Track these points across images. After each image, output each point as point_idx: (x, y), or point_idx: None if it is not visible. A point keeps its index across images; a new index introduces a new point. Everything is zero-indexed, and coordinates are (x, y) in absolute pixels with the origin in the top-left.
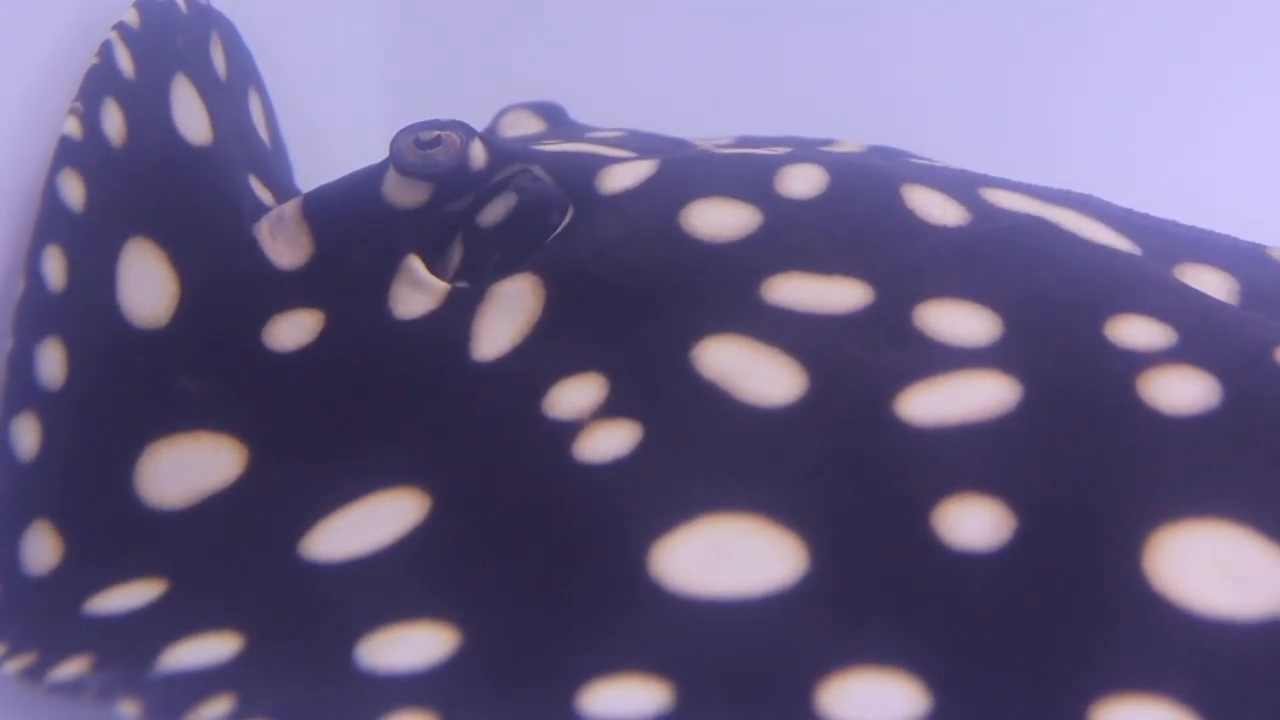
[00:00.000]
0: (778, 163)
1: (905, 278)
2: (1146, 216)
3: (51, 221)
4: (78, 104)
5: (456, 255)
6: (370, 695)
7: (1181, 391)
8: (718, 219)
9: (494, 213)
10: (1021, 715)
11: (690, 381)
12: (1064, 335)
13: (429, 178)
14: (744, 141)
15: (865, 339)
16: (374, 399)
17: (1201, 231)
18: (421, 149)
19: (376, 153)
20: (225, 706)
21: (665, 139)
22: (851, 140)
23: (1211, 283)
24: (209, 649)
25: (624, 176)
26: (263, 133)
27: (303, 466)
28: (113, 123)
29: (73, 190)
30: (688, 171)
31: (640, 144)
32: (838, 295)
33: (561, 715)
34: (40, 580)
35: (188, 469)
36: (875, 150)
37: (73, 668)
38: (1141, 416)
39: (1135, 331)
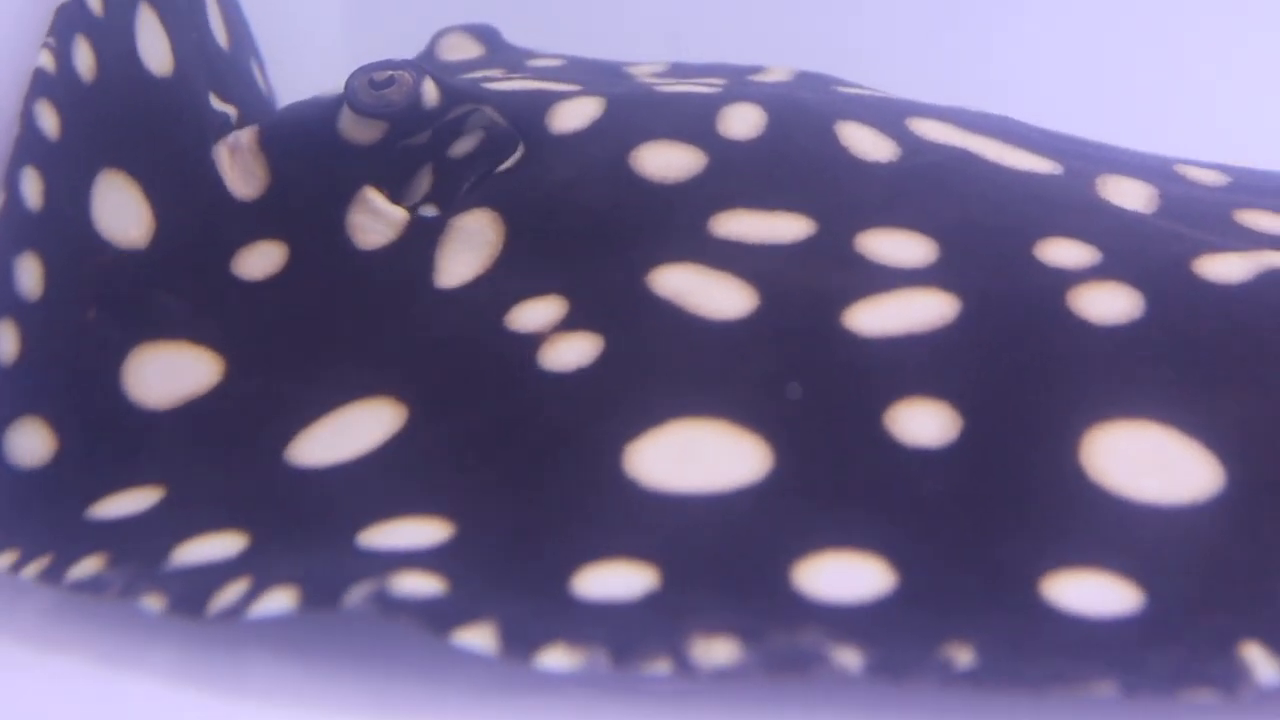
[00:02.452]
0: (717, 102)
1: (844, 212)
2: (1064, 137)
3: (28, 147)
4: (50, 39)
5: (420, 188)
6: (379, 564)
7: (1108, 304)
8: (665, 161)
9: (462, 148)
10: (976, 588)
11: (647, 300)
12: (997, 257)
13: (383, 116)
14: (677, 70)
15: (810, 263)
16: (342, 322)
17: (1114, 148)
18: (375, 89)
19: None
20: (244, 586)
21: (602, 66)
22: (779, 67)
23: (1131, 192)
24: (216, 545)
25: (572, 117)
26: (221, 38)
27: (280, 380)
28: (83, 58)
29: (48, 120)
30: (633, 113)
31: (581, 74)
32: (782, 228)
33: (558, 595)
34: (36, 476)
35: (171, 374)
36: (804, 77)
37: (90, 566)
38: (1072, 327)
39: (1062, 252)
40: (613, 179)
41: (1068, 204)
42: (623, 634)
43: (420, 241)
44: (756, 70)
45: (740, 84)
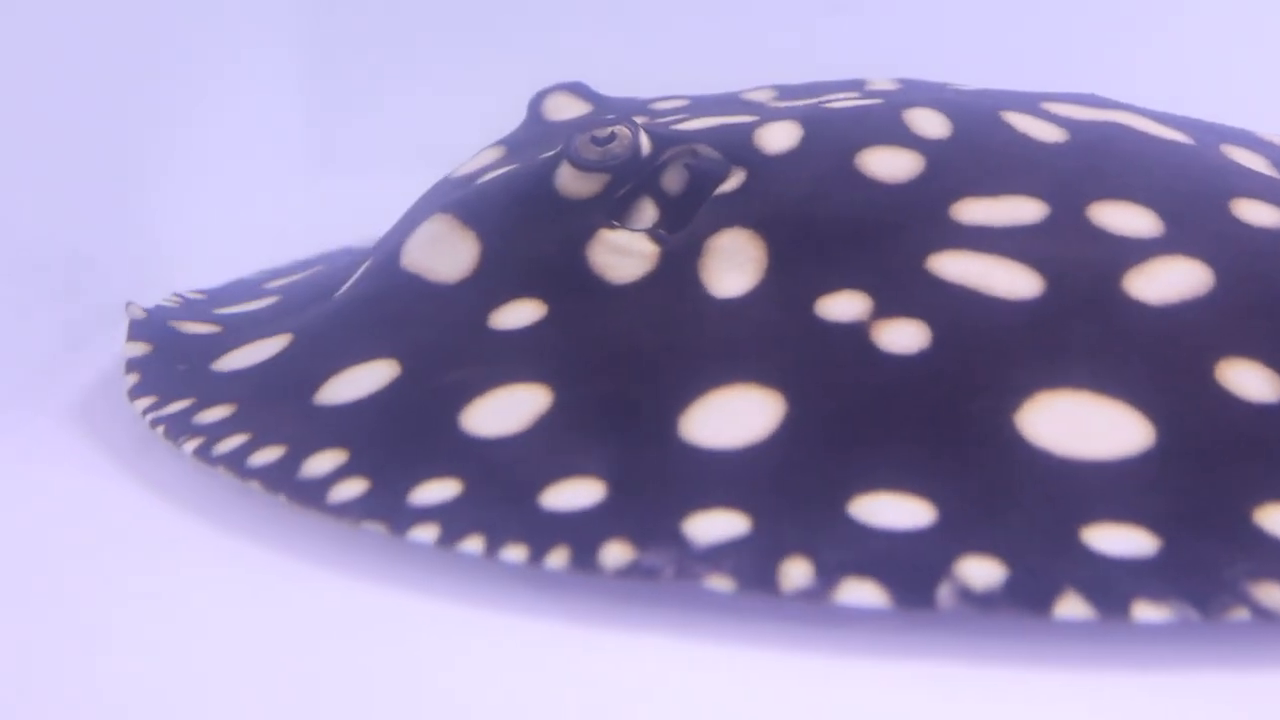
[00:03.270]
0: (895, 111)
1: (1062, 190)
2: (1172, 114)
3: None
4: None
5: (644, 223)
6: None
7: None
8: (890, 163)
9: (673, 183)
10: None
11: (942, 285)
12: (1213, 222)
13: (606, 170)
14: (799, 91)
15: (1067, 239)
16: (639, 339)
17: (1200, 120)
18: (599, 145)
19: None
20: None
21: (729, 99)
22: (879, 77)
23: (1251, 159)
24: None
25: (779, 140)
26: None
27: (615, 389)
28: None
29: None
30: (833, 130)
31: (729, 107)
32: (1019, 210)
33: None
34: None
35: (513, 407)
36: (907, 83)
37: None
38: None
39: (1254, 211)
40: (851, 185)
41: (1227, 168)
42: None
43: (679, 264)
44: (860, 83)
45: (899, 93)
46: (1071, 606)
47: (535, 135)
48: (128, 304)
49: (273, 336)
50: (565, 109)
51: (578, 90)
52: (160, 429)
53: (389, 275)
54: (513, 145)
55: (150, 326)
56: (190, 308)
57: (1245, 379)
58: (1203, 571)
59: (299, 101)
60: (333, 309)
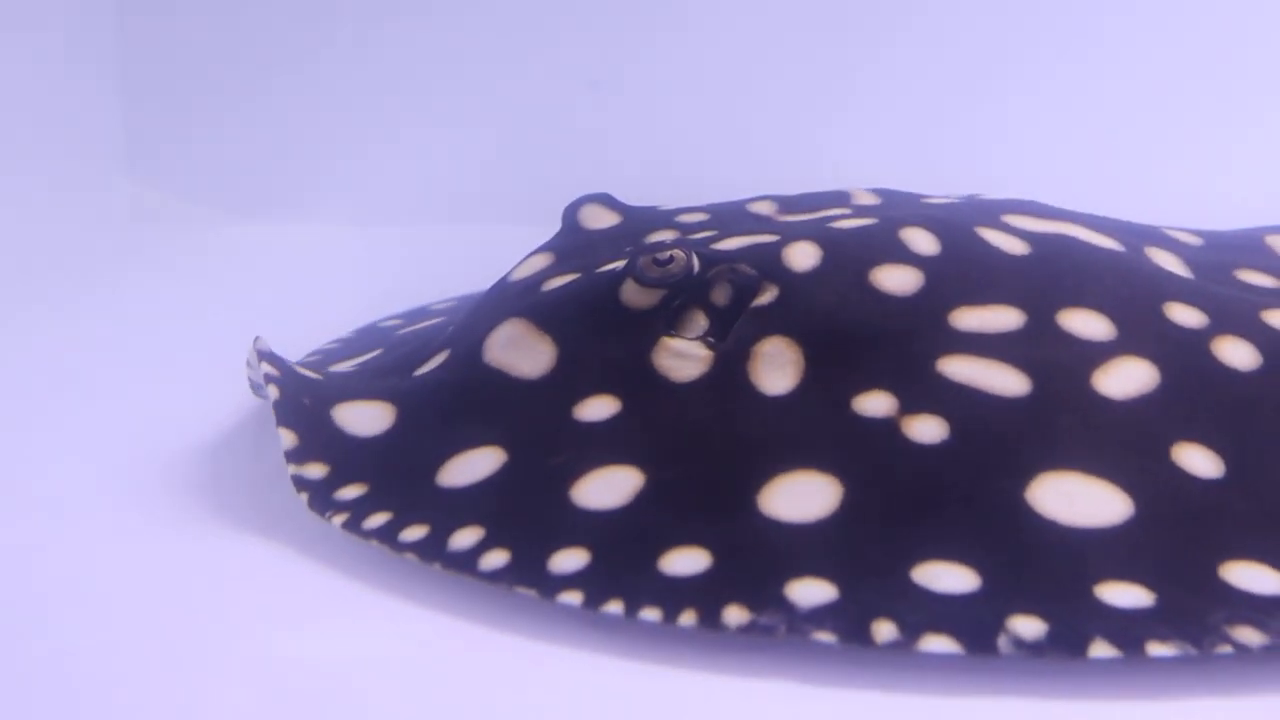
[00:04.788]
0: (892, 231)
1: (1034, 299)
2: (1102, 219)
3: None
4: None
5: (697, 330)
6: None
7: (1234, 354)
8: (897, 280)
9: (720, 296)
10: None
11: (950, 385)
12: (1152, 324)
13: (666, 286)
14: (792, 203)
15: (1043, 344)
16: (705, 431)
17: (1129, 222)
18: (659, 265)
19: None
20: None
21: (736, 210)
22: (860, 189)
23: (1168, 260)
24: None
25: (804, 259)
26: None
27: (699, 473)
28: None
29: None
30: (846, 250)
31: (737, 222)
32: (1003, 318)
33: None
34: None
35: (610, 486)
36: (884, 194)
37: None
38: (1221, 373)
39: (1182, 314)
40: (867, 299)
41: (1155, 274)
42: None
43: (731, 367)
44: (845, 194)
45: (886, 208)
46: (1101, 649)
47: (578, 243)
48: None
49: (376, 401)
50: (598, 219)
51: (606, 201)
52: (304, 496)
53: (473, 368)
54: (560, 253)
55: (283, 375)
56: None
57: (1194, 459)
58: (1193, 618)
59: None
60: (427, 391)
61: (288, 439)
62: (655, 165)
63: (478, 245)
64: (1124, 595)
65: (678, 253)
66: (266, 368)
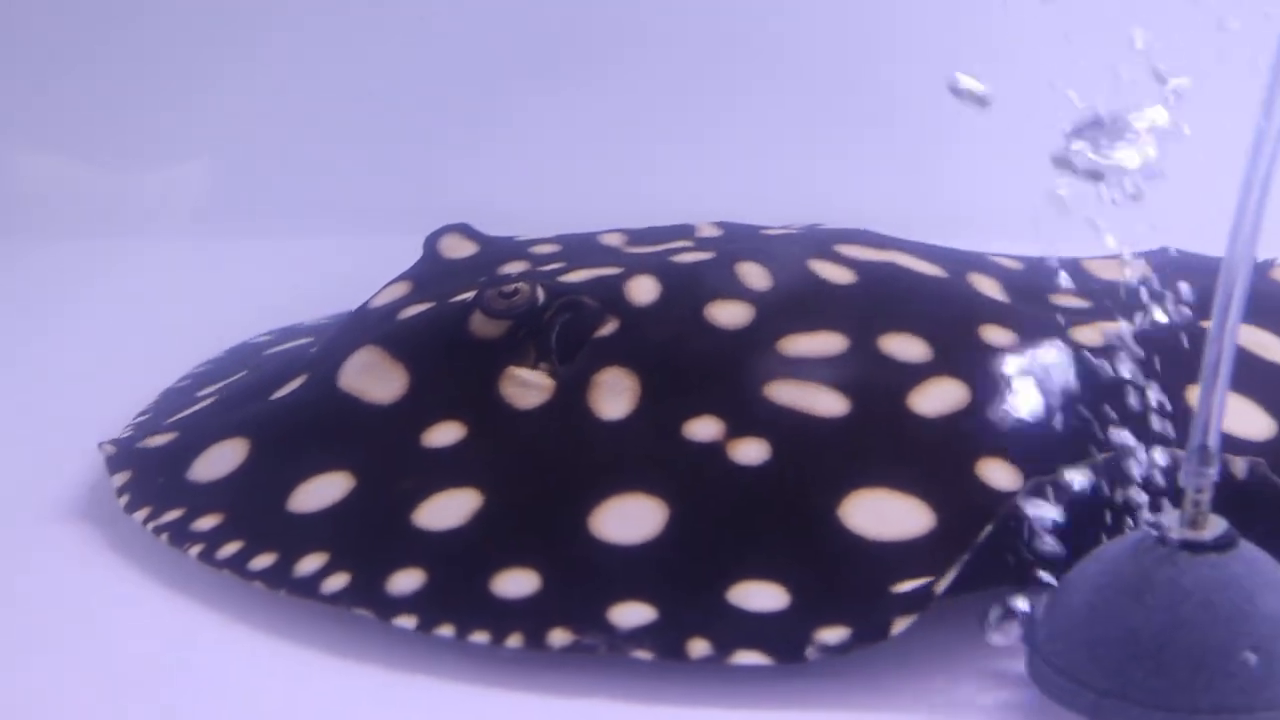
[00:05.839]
0: (727, 265)
1: (856, 325)
2: (929, 247)
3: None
4: None
5: (544, 360)
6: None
7: None
8: (730, 313)
9: (566, 328)
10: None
11: (776, 409)
12: (965, 345)
13: (511, 317)
14: (642, 236)
15: (864, 368)
16: (543, 453)
17: (956, 251)
18: (505, 298)
19: None
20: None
21: (587, 241)
22: (705, 223)
23: (988, 284)
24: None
25: (644, 293)
26: None
27: (537, 498)
28: None
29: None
30: (684, 283)
31: (594, 254)
32: (828, 343)
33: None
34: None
35: (448, 509)
36: (726, 226)
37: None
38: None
39: (994, 335)
40: (703, 332)
41: (973, 298)
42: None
43: (572, 395)
44: (689, 229)
45: (725, 241)
46: (901, 625)
47: (436, 272)
48: (100, 444)
49: (231, 439)
50: (457, 248)
51: (465, 231)
52: (164, 536)
53: (328, 394)
54: (418, 281)
55: (126, 455)
56: (146, 425)
57: (996, 473)
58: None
59: None
60: (283, 416)
61: (141, 515)
62: (525, 188)
63: (351, 256)
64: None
65: (523, 286)
66: (116, 480)
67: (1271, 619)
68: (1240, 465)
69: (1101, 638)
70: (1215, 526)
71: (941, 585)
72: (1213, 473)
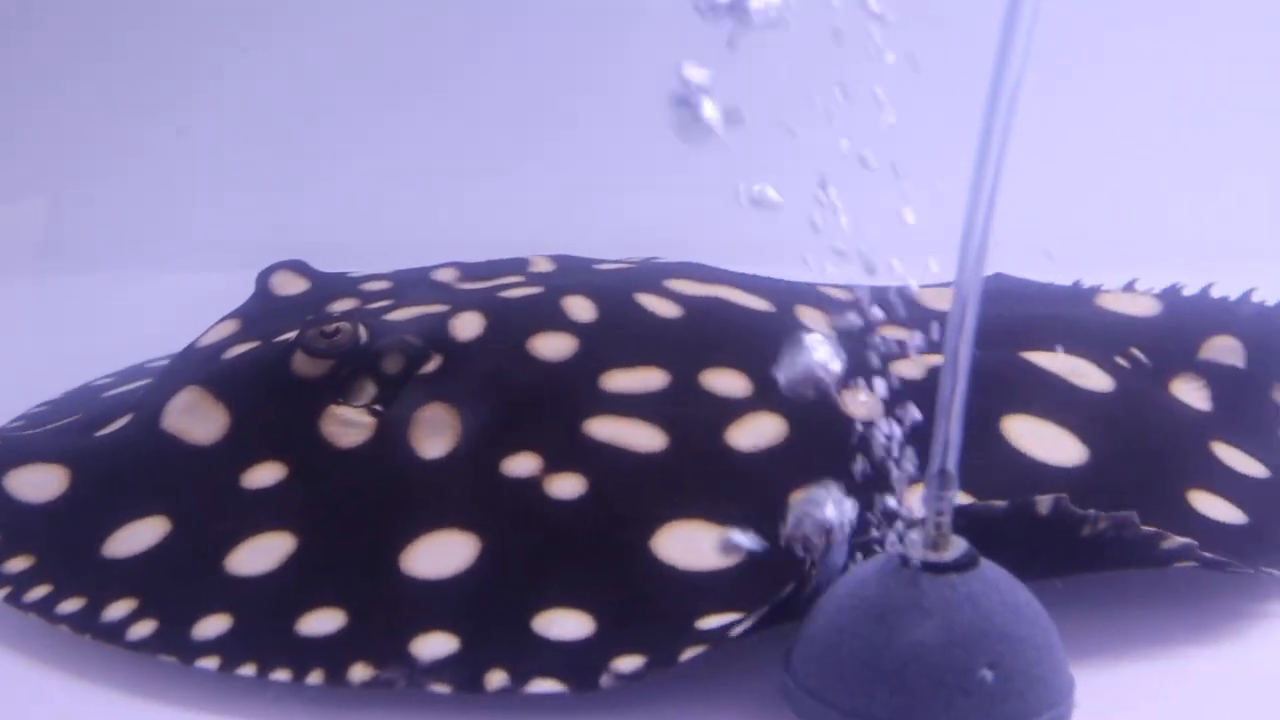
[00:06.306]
0: (554, 299)
1: (679, 361)
2: (758, 279)
3: None
4: None
5: (366, 398)
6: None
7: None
8: (552, 346)
9: (391, 365)
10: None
11: (594, 445)
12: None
13: (333, 356)
14: (475, 270)
15: (684, 403)
16: (364, 495)
17: (790, 283)
18: (326, 338)
19: None
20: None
21: (419, 277)
22: (539, 257)
23: (813, 317)
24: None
25: (468, 328)
26: None
27: (355, 535)
28: None
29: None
30: (508, 318)
31: (424, 291)
32: (649, 379)
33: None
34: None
35: (264, 553)
36: (561, 260)
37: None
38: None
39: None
40: (524, 365)
41: (795, 331)
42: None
43: (393, 433)
44: (525, 262)
45: (556, 275)
46: (689, 654)
47: (265, 310)
48: None
49: (50, 464)
50: (289, 285)
51: (298, 268)
52: None
53: (150, 434)
54: (247, 319)
55: None
56: None
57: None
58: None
59: None
60: (104, 454)
61: None
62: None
63: (191, 293)
64: (720, 621)
65: (345, 325)
66: None
67: (1008, 637)
68: (1045, 503)
69: (848, 658)
70: (956, 548)
71: (738, 630)
72: (953, 495)
